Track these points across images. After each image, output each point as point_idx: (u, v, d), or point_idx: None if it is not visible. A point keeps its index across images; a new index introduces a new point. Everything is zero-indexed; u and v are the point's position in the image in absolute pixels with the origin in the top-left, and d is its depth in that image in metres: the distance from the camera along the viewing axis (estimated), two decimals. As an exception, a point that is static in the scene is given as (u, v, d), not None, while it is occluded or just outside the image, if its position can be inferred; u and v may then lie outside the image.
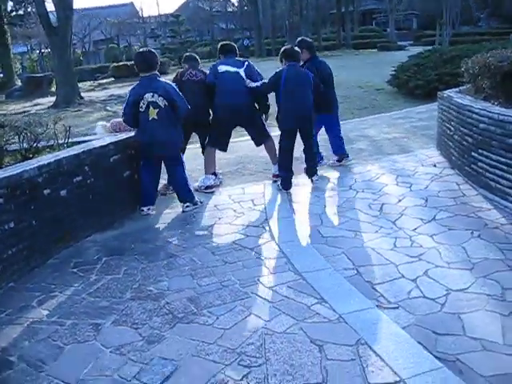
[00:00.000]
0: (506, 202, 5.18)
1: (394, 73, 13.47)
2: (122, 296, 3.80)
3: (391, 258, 4.23)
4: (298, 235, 4.82)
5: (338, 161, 7.22)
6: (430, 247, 4.39)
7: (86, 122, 12.51)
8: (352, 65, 22.26)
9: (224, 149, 6.66)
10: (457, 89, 7.47)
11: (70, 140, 5.81)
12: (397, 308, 3.47)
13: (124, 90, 19.70)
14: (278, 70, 6.28)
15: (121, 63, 29.57)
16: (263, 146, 6.75)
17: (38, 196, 4.54)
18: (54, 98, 18.21)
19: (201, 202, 5.91)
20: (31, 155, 5.43)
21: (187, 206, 5.74)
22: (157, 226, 5.35)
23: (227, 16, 50.53)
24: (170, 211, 5.84)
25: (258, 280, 3.89)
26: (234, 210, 5.63)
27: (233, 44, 6.92)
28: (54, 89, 22.71)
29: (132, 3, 56.89)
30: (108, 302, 3.72)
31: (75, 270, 4.38)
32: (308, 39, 7.19)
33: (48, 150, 5.63)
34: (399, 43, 38.46)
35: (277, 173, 6.54)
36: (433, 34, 41.27)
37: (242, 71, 6.38)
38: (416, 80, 12.20)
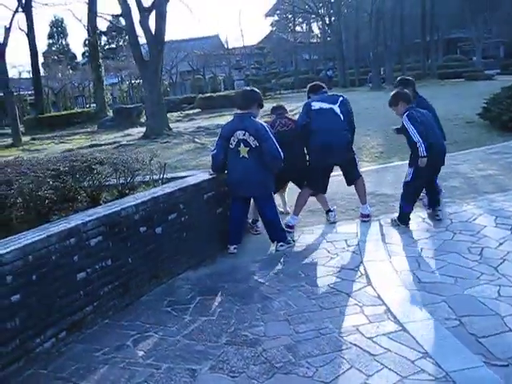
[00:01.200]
0: None
1: (485, 105, 12.96)
2: (218, 340, 3.75)
3: (496, 309, 3.96)
4: (396, 280, 4.63)
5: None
6: (538, 301, 4.09)
7: (175, 153, 12.82)
8: (438, 96, 21.57)
9: (324, 191, 6.51)
10: None
11: (164, 176, 5.91)
12: (506, 366, 3.23)
13: (211, 121, 20.27)
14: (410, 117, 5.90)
15: (207, 94, 30.42)
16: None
17: (134, 233, 4.62)
18: (143, 129, 18.89)
19: (293, 241, 5.79)
20: (127, 191, 5.58)
21: (281, 246, 5.60)
22: (248, 266, 5.28)
23: (310, 47, 50.92)
24: (260, 250, 5.77)
25: (357, 329, 3.74)
26: (328, 251, 5.51)
27: (321, 83, 6.75)
28: (143, 119, 23.68)
29: (218, 36, 58.48)
30: (203, 346, 3.68)
31: (169, 309, 4.39)
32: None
33: (143, 186, 5.77)
34: (486, 72, 37.30)
35: (366, 212, 6.38)
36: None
37: (336, 107, 6.22)
38: (510, 113, 11.67)
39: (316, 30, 55.42)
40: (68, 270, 3.93)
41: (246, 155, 5.44)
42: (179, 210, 5.21)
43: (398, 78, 7.45)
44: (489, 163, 8.91)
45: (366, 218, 6.37)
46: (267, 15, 62.07)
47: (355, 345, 3.53)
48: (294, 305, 4.23)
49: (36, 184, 4.48)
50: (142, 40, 17.98)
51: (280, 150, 5.46)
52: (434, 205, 6.45)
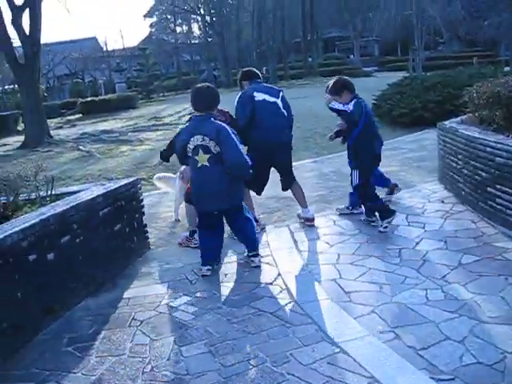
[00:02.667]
0: (534, 242, 4.80)
1: (374, 101, 13.20)
2: (133, 385, 3.21)
3: (428, 315, 3.78)
4: (320, 292, 4.31)
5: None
6: (466, 299, 3.97)
7: (59, 163, 11.77)
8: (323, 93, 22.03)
9: (260, 192, 6.03)
10: (458, 119, 7.15)
11: (53, 192, 5.21)
12: (453, 380, 3.01)
13: (94, 127, 19.20)
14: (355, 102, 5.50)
15: (89, 99, 28.96)
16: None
17: (22, 263, 3.93)
18: (21, 137, 17.47)
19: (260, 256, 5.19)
20: (10, 213, 4.83)
21: (255, 256, 5.02)
22: (156, 289, 4.71)
23: (191, 48, 50.36)
24: (169, 270, 5.20)
25: (292, 355, 3.34)
26: (240, 264, 5.10)
27: (255, 70, 6.08)
28: (20, 127, 22.01)
29: (95, 38, 56.33)
30: (118, 395, 3.12)
31: (70, 349, 3.75)
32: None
33: (29, 205, 5.03)
34: (364, 69, 38.83)
35: (311, 216, 6.01)
36: (395, 60, 42.02)
37: (279, 102, 5.72)
38: (400, 108, 11.96)
39: (196, 31, 54.85)
40: None
41: (207, 163, 4.66)
42: (73, 231, 4.56)
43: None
44: (388, 159, 8.91)
45: (311, 222, 5.98)
46: (146, 16, 60.58)
47: (293, 375, 3.13)
48: (215, 332, 3.76)
49: None
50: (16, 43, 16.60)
51: (246, 156, 4.76)
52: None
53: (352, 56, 48.30)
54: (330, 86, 5.78)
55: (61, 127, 20.76)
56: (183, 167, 5.21)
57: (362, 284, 4.42)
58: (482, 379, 3.00)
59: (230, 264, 5.15)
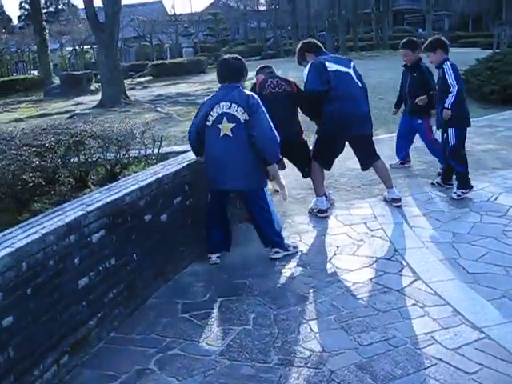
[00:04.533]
0: None
1: (462, 77, 12.52)
2: (267, 359, 3.02)
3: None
4: (444, 272, 4.03)
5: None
6: None
7: (140, 124, 11.70)
8: (399, 66, 21.29)
9: (329, 168, 5.61)
10: None
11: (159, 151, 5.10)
12: None
13: (167, 89, 19.18)
14: (452, 65, 5.53)
15: (159, 61, 29.03)
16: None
17: (139, 223, 3.82)
18: (93, 97, 17.59)
19: (294, 248, 4.58)
20: (118, 170, 4.75)
21: (277, 252, 4.43)
22: (265, 256, 4.51)
23: (259, 14, 49.63)
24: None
25: (433, 338, 3.11)
26: (350, 237, 4.86)
27: (318, 43, 5.69)
28: (93, 87, 22.27)
29: (161, 1, 56.40)
30: (253, 369, 2.94)
31: (187, 316, 3.61)
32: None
33: (135, 163, 4.95)
34: (436, 44, 37.28)
35: (397, 196, 5.54)
36: (467, 36, 40.28)
37: (352, 72, 5.30)
38: (491, 85, 11.31)
39: (262, 0, 53.95)
40: (69, 276, 3.11)
41: (230, 133, 4.16)
42: (184, 192, 4.44)
43: (405, 39, 6.87)
44: (484, 137, 8.46)
45: (398, 203, 5.51)
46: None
47: (441, 360, 2.90)
48: (342, 307, 3.55)
49: (19, 165, 3.59)
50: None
51: (275, 131, 4.26)
52: (449, 178, 6.01)
53: (421, 30, 46.56)
54: (427, 42, 5.79)
55: (133, 88, 20.80)
56: None
57: (485, 266, 4.12)
58: None
59: (338, 236, 4.92)
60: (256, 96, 4.32)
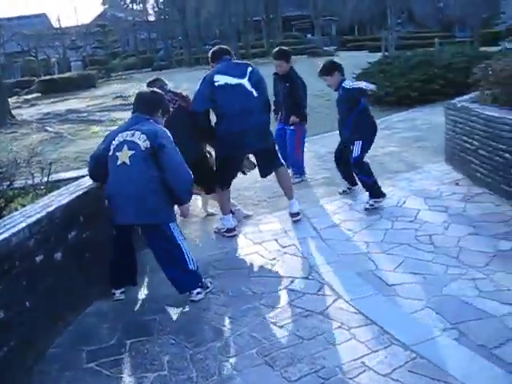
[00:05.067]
0: None
1: (355, 79, 12.84)
2: (188, 410, 2.71)
3: (486, 309, 3.45)
4: (363, 287, 3.89)
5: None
6: (520, 289, 3.64)
7: (28, 146, 10.93)
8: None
9: (227, 186, 5.22)
10: (466, 97, 6.84)
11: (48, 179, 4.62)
12: None
13: (56, 106, 18.21)
14: (350, 82, 5.63)
15: (47, 77, 27.63)
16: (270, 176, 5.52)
17: (29, 266, 3.34)
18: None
19: (211, 283, 4.11)
20: (3, 204, 4.23)
21: (198, 293, 3.90)
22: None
23: (148, 25, 48.77)
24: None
25: (364, 364, 2.92)
26: (262, 256, 4.63)
27: (225, 47, 5.45)
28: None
29: (45, 14, 54.04)
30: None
31: (94, 366, 3.19)
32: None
33: (22, 195, 4.44)
34: (325, 49, 38.46)
35: (296, 210, 5.33)
36: (354, 40, 41.92)
37: (246, 82, 4.96)
38: (385, 87, 11.63)
39: (152, 8, 53.08)
40: None
41: (127, 161, 3.76)
42: (80, 225, 3.99)
43: (277, 49, 7.02)
44: (385, 140, 8.60)
45: (297, 217, 5.33)
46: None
47: (375, 389, 2.72)
48: (264, 338, 3.29)
49: None
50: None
51: (189, 169, 3.93)
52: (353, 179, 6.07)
53: (310, 35, 47.88)
54: (322, 68, 5.85)
55: (19, 107, 19.55)
56: None
57: (403, 275, 4.05)
58: None
59: (249, 256, 4.67)
60: (168, 132, 3.97)
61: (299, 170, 6.93)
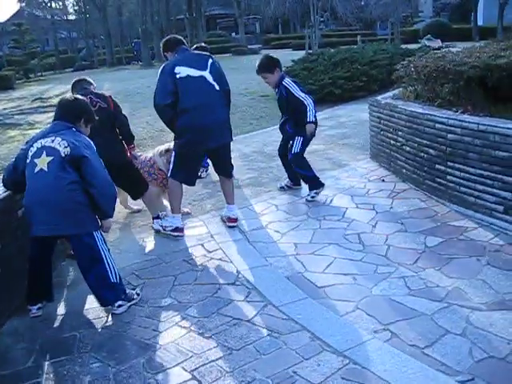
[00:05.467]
0: (491, 219, 4.69)
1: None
2: None
3: (416, 307, 3.47)
4: (292, 291, 3.80)
5: None
6: (447, 285, 3.72)
7: None
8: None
9: (193, 183, 5.13)
10: (389, 94, 6.94)
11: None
12: (472, 380, 2.71)
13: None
14: (291, 81, 5.59)
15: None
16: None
17: None
18: None
19: (137, 294, 3.89)
20: None
21: (119, 307, 3.69)
22: (93, 298, 3.81)
23: (69, 24, 47.28)
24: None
25: (296, 373, 2.81)
26: (188, 262, 4.46)
27: (179, 37, 5.18)
28: None
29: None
30: None
31: (8, 393, 2.96)
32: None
33: None
34: (250, 47, 38.57)
35: (235, 216, 5.15)
36: (278, 38, 42.31)
37: (207, 74, 4.78)
38: (308, 85, 11.67)
39: (73, 6, 51.47)
40: None
41: (45, 167, 3.52)
42: (-11, 238, 3.69)
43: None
44: (310, 138, 8.61)
45: (234, 223, 5.11)
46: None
47: (306, 400, 2.61)
48: (190, 350, 3.13)
49: None
50: None
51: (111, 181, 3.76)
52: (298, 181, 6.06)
53: (235, 34, 47.96)
54: (261, 64, 5.59)
55: None
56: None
57: (333, 277, 4.01)
58: (503, 375, 2.74)
59: (177, 261, 4.49)
60: (91, 143, 3.74)
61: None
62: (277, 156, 7.63)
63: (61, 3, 51.91)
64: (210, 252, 4.63)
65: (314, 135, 5.71)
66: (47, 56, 42.85)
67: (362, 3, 42.18)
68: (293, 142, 5.65)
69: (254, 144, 8.77)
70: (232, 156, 7.03)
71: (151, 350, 3.18)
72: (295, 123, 5.65)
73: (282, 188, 6.13)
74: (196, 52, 5.15)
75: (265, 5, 45.17)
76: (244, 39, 43.20)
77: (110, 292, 3.67)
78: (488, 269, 3.89)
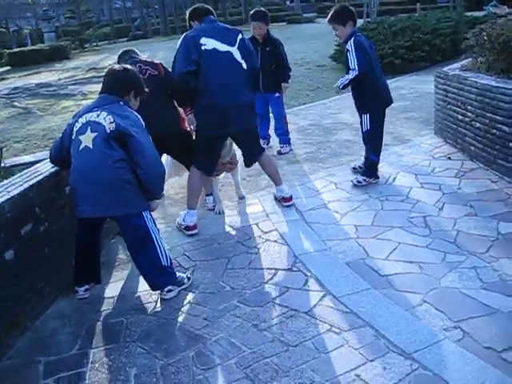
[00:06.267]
0: None
1: (337, 47, 12.32)
2: None
3: (491, 303, 3.10)
4: (354, 280, 3.51)
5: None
6: (526, 279, 3.29)
7: (-7, 123, 10.34)
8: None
9: (211, 172, 4.70)
10: (457, 65, 6.41)
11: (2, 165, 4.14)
12: None
13: (27, 80, 17.43)
14: (357, 43, 4.89)
15: (17, 49, 26.59)
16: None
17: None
18: None
19: (188, 278, 3.67)
20: None
21: (169, 291, 3.50)
22: (144, 283, 3.58)
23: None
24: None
25: (359, 377, 2.54)
26: (242, 243, 4.23)
27: (207, 6, 4.74)
28: None
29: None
30: None
31: (51, 383, 2.79)
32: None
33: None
34: (305, 15, 37.65)
35: (287, 195, 4.82)
36: (334, 6, 41.11)
37: (235, 51, 4.37)
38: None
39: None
40: None
41: (90, 145, 3.30)
42: (36, 218, 3.53)
43: (255, 10, 6.49)
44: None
45: (289, 202, 4.80)
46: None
47: (373, 410, 2.35)
48: (243, 345, 2.90)
49: None
50: None
51: (157, 155, 3.53)
52: None
53: (289, 2, 47.01)
54: (333, 12, 5.06)
55: (-14, 81, 18.76)
56: None
57: (396, 264, 3.68)
58: None
59: (227, 243, 4.26)
60: (141, 119, 3.48)
61: (288, 139, 6.58)
62: (335, 130, 7.39)
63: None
64: (266, 233, 4.37)
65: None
66: (102, 26, 43.09)
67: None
68: (361, 120, 5.21)
69: (311, 116, 8.39)
70: (289, 129, 6.78)
71: (201, 342, 2.97)
72: (357, 96, 5.20)
73: (354, 169, 5.61)
74: (225, 25, 4.66)
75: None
76: (299, 8, 42.32)
77: (160, 276, 3.46)
78: None
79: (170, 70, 4.50)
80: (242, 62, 4.42)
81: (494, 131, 5.08)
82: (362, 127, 5.22)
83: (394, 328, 2.91)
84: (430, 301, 3.19)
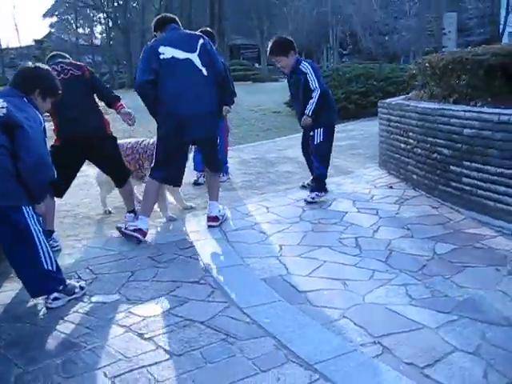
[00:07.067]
0: (514, 226, 3.94)
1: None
2: None
3: (418, 319, 2.77)
4: (265, 293, 3.11)
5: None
6: (457, 296, 3.01)
7: None
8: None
9: (178, 182, 4.49)
10: (401, 97, 6.27)
11: None
12: None
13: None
14: (312, 65, 5.02)
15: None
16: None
17: None
18: None
19: (82, 288, 3.24)
20: None
21: (55, 300, 3.05)
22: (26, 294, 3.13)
23: (94, 49, 47.85)
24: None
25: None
26: (153, 259, 3.80)
27: (170, 15, 4.63)
28: None
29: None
30: None
31: None
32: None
33: None
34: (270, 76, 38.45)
35: (216, 213, 4.49)
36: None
37: (195, 57, 4.17)
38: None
39: (97, 35, 52.30)
40: None
41: None
42: None
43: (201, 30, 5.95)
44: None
45: (213, 223, 4.44)
46: (45, 16, 56.99)
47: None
48: (120, 353, 2.45)
49: None
50: None
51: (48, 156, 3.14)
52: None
53: (257, 64, 48.17)
54: (273, 45, 4.99)
55: None
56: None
57: (318, 281, 3.31)
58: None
59: (136, 259, 3.84)
60: (41, 118, 3.15)
61: (226, 168, 6.26)
62: (278, 163, 7.12)
63: (88, 29, 52.73)
64: (181, 249, 3.98)
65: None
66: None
67: (386, 38, 42.13)
68: (313, 134, 5.11)
69: (257, 152, 8.17)
70: (230, 162, 6.50)
71: (74, 350, 2.51)
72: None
73: (303, 187, 5.56)
74: (186, 31, 4.46)
75: (287, 35, 45.58)
76: (266, 69, 43.20)
77: (41, 281, 3.00)
78: (510, 279, 3.19)
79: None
80: (203, 68, 4.19)
81: (435, 155, 4.86)
82: (313, 142, 5.15)
83: (299, 339, 2.51)
84: (350, 316, 2.82)
